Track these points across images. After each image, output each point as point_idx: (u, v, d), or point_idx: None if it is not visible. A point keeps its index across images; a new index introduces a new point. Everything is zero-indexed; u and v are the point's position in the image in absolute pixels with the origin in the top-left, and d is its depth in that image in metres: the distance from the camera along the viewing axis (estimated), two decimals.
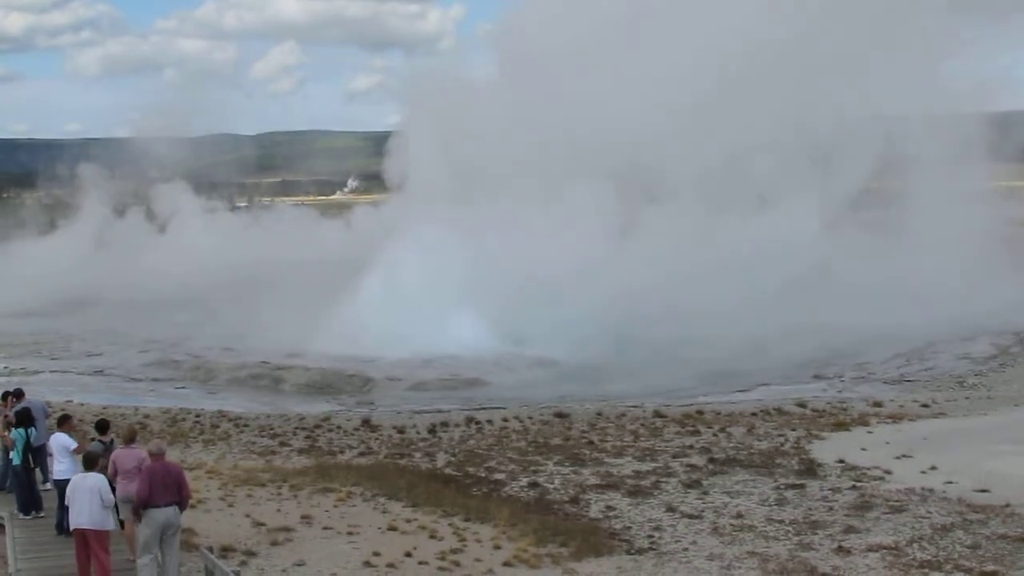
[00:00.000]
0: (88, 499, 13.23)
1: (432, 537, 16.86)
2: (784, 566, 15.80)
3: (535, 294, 39.11)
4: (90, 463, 13.65)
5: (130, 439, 15.06)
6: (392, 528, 17.41)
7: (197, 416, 29.43)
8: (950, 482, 20.14)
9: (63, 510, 15.36)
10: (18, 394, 18.85)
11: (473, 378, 35.13)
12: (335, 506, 18.74)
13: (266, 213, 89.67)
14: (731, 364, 35.73)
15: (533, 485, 21.14)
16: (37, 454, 17.13)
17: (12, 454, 16.91)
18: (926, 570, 15.60)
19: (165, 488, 13.07)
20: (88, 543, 13.27)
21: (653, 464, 22.63)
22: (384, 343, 38.24)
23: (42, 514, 16.59)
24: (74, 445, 15.71)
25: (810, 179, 48.75)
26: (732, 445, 24.28)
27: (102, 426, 16.22)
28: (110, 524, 13.50)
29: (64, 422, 16.56)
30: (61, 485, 15.27)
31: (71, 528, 13.52)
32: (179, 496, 13.24)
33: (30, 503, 16.78)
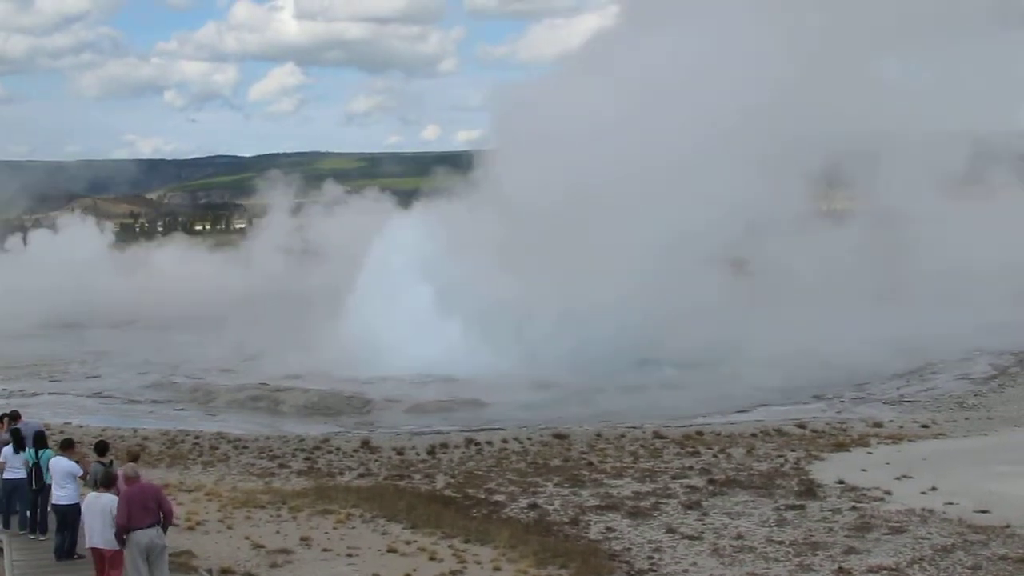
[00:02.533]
0: (100, 519, 13.29)
1: (432, 559, 16.82)
2: None
3: (535, 316, 39.09)
4: (110, 483, 13.75)
5: (133, 460, 15.07)
6: (392, 550, 17.36)
7: (196, 438, 29.40)
8: (950, 503, 20.11)
9: (62, 535, 15.36)
10: (14, 416, 18.82)
11: (472, 399, 35.09)
12: (334, 528, 18.70)
13: None
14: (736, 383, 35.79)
15: (533, 506, 21.11)
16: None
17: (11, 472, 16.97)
18: None
19: (145, 510, 13.05)
20: (104, 561, 13.41)
21: (653, 485, 22.60)
22: (382, 365, 38.26)
23: (44, 537, 16.54)
24: (79, 472, 15.63)
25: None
26: (732, 466, 24.25)
27: (101, 447, 16.20)
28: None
29: (68, 447, 16.48)
30: (61, 510, 15.25)
31: (88, 546, 13.59)
32: (159, 516, 13.23)
33: (33, 523, 16.77)
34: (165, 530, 13.34)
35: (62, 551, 15.34)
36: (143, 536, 13.00)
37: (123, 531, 13.01)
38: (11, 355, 47.02)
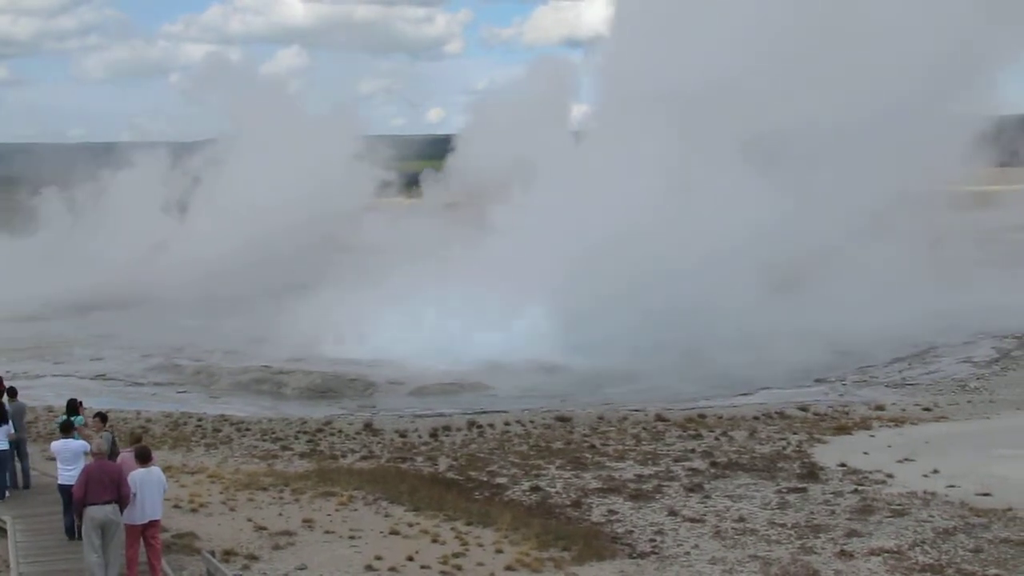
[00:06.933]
0: (157, 491, 13.86)
1: (434, 541, 16.87)
2: (786, 570, 15.82)
3: (538, 297, 38.97)
4: (146, 457, 14.07)
5: (136, 442, 15.12)
6: (394, 532, 17.41)
7: (199, 420, 29.42)
8: (952, 486, 20.14)
9: (71, 515, 15.43)
10: (10, 392, 19.34)
11: (474, 382, 35.08)
12: (337, 510, 18.75)
13: None
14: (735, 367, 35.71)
15: (535, 489, 21.15)
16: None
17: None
18: (928, 574, 15.63)
19: (102, 487, 13.37)
20: (146, 534, 13.87)
21: (655, 468, 22.63)
22: (385, 347, 38.25)
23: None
24: (88, 448, 15.67)
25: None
26: (734, 449, 24.27)
27: (103, 418, 17.19)
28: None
29: (70, 428, 16.58)
30: (69, 490, 15.34)
31: (145, 521, 13.85)
32: (117, 494, 13.45)
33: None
34: (122, 510, 13.57)
35: (75, 531, 15.46)
36: (99, 512, 13.35)
37: (80, 504, 13.43)
38: (15, 337, 47.02)
